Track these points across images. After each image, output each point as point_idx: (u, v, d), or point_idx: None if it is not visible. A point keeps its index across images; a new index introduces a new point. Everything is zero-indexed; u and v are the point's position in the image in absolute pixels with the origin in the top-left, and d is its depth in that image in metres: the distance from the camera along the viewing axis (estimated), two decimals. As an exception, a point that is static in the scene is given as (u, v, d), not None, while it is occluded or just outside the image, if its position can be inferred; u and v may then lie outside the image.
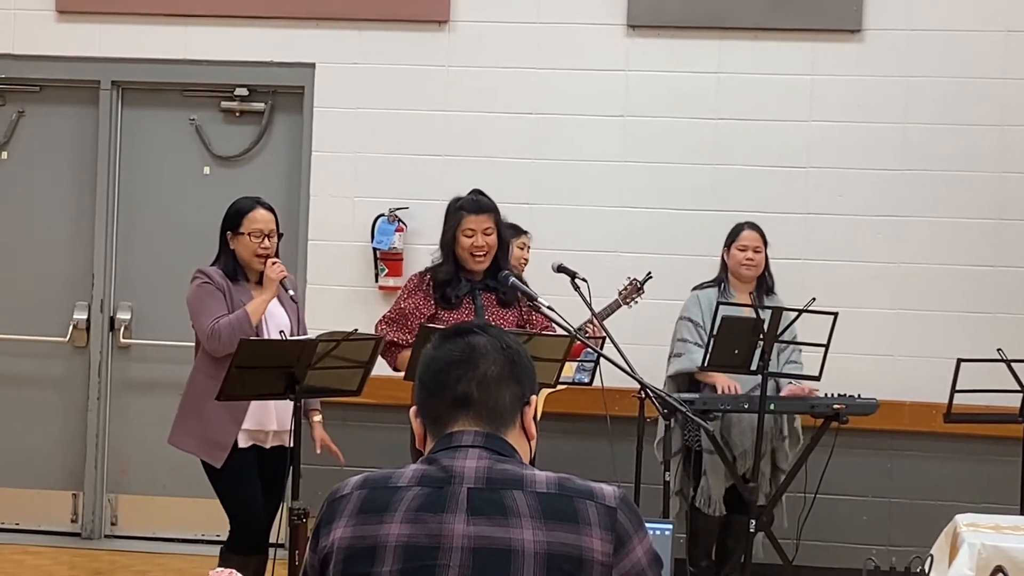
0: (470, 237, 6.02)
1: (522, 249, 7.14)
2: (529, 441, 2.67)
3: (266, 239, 5.91)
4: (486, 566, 2.44)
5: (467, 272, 6.07)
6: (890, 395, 7.34)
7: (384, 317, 6.15)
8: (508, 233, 6.31)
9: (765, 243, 7.07)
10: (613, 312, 6.84)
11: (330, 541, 2.54)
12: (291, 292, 5.95)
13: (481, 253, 6.02)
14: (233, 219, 5.95)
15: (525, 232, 7.23)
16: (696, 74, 7.84)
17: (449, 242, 6.09)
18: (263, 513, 5.89)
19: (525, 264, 7.12)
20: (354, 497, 2.56)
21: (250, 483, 5.86)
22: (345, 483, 2.61)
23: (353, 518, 2.53)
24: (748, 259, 7.02)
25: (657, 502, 6.51)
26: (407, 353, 5.87)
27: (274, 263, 5.87)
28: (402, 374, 5.88)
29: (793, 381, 6.87)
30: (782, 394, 6.86)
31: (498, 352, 2.62)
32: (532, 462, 2.68)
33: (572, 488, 2.53)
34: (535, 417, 2.66)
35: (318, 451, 6.05)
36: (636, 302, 6.97)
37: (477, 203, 6.10)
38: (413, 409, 2.69)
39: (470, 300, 6.02)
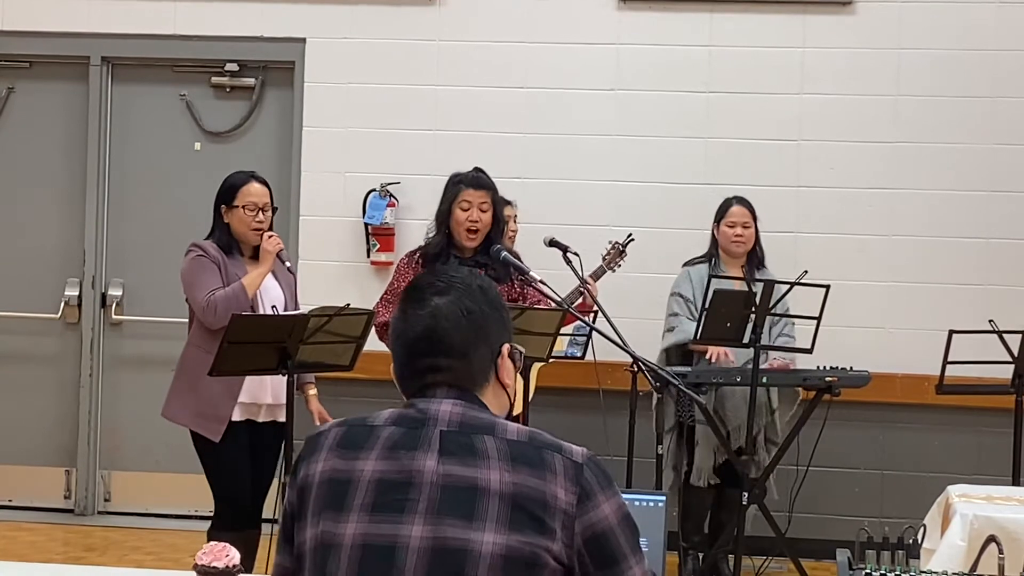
0: (465, 211, 6.01)
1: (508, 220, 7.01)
2: (506, 390, 2.72)
3: (260, 213, 5.89)
4: (453, 502, 2.50)
5: (457, 248, 6.06)
6: (882, 367, 7.34)
7: (382, 299, 6.13)
8: (500, 212, 6.27)
9: (754, 217, 7.07)
10: (598, 279, 6.81)
11: (310, 473, 2.61)
12: (287, 264, 5.95)
13: (474, 228, 6.00)
14: (228, 193, 5.93)
15: (509, 202, 7.10)
16: (687, 47, 7.83)
17: (444, 213, 6.07)
18: (249, 489, 5.87)
19: (514, 235, 7.07)
20: (332, 433, 2.65)
21: (240, 458, 5.84)
22: (324, 424, 2.71)
23: (332, 451, 2.61)
24: (737, 235, 7.02)
25: (650, 475, 6.52)
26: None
27: (270, 236, 5.86)
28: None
29: (779, 355, 6.87)
30: (762, 367, 6.85)
31: (460, 319, 2.64)
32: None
33: (541, 440, 2.58)
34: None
35: (317, 423, 6.04)
36: (619, 265, 6.95)
37: (477, 179, 6.10)
38: (392, 367, 2.75)
39: (460, 279, 5.99)
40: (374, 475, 2.55)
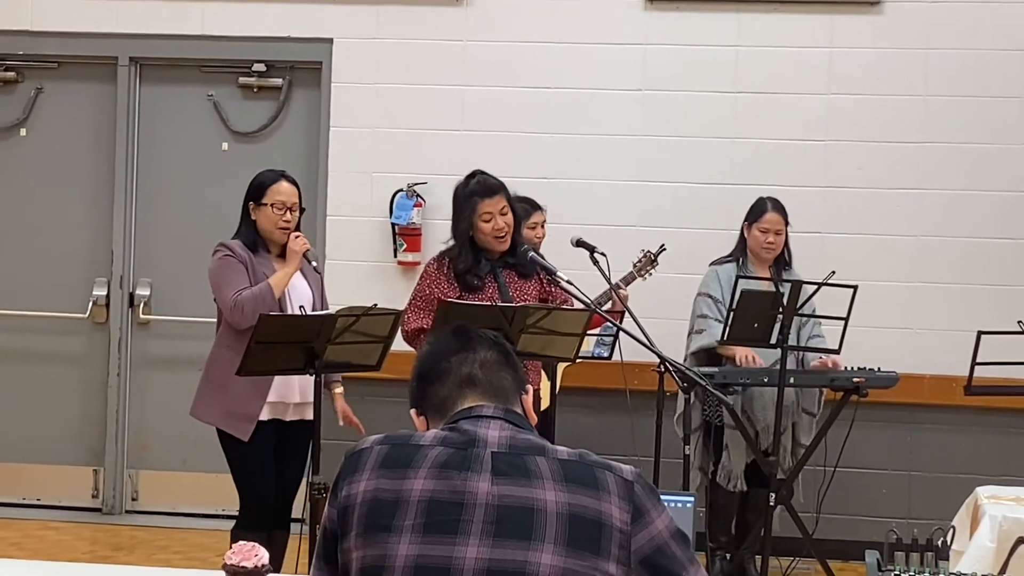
0: (488, 221, 5.93)
1: (532, 229, 6.92)
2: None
3: (288, 212, 5.90)
4: (510, 522, 2.50)
5: (487, 252, 6.02)
6: (910, 368, 7.31)
7: (411, 305, 6.03)
8: (519, 208, 6.23)
9: (786, 223, 7.03)
10: (628, 284, 6.80)
11: (352, 492, 2.60)
12: (314, 264, 5.95)
13: (502, 234, 5.96)
14: (257, 190, 5.94)
15: (540, 208, 7.09)
16: (715, 47, 7.82)
17: (465, 230, 5.95)
18: (273, 489, 5.88)
19: (541, 240, 7.02)
20: (376, 451, 2.64)
21: (266, 458, 5.85)
22: (364, 440, 2.69)
23: (376, 471, 2.60)
24: (769, 243, 6.97)
25: (677, 476, 6.50)
26: (433, 336, 5.82)
27: (297, 236, 5.87)
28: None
29: (819, 356, 6.84)
30: (813, 363, 6.82)
31: (491, 342, 2.76)
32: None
33: (591, 459, 2.62)
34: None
35: (341, 423, 6.04)
36: (650, 274, 6.94)
37: (487, 186, 5.97)
38: (413, 409, 2.78)
39: (492, 279, 5.98)
40: (424, 495, 2.54)
